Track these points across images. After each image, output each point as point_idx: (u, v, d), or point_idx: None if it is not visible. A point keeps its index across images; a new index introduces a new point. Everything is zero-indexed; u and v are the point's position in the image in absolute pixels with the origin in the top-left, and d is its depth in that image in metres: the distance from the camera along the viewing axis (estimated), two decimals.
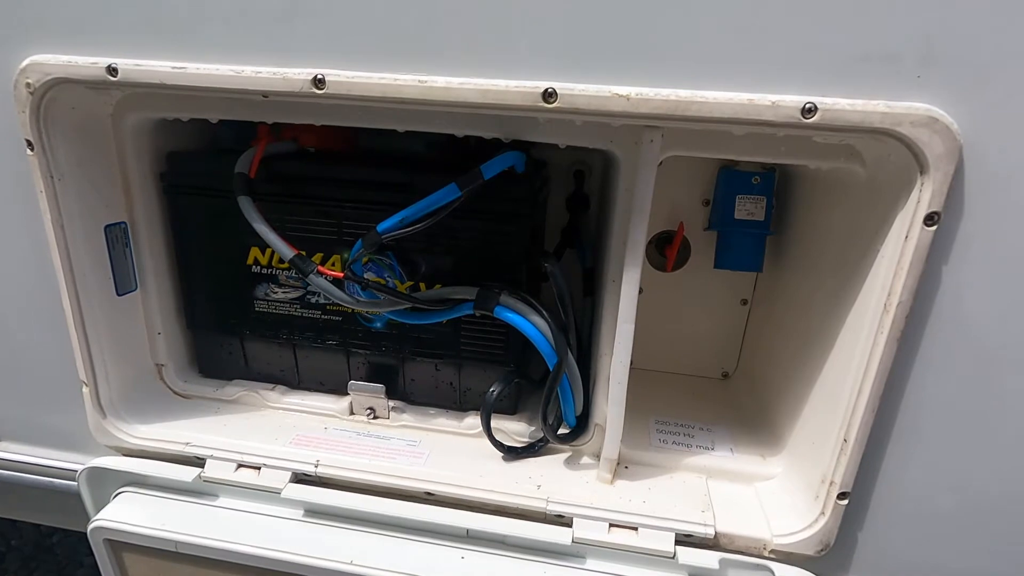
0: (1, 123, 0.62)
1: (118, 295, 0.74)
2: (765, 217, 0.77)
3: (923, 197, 0.50)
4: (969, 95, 0.48)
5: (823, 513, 0.62)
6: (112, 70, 0.58)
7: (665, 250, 0.88)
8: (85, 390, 0.73)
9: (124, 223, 0.73)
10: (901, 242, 0.52)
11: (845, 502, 0.61)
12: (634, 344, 0.64)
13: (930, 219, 0.50)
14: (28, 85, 0.59)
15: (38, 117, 0.61)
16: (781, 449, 0.73)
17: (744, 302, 0.90)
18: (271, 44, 0.55)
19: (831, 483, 0.61)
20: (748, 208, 0.77)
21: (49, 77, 0.59)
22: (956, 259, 0.52)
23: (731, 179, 0.78)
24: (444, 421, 0.79)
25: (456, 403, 0.80)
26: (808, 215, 0.75)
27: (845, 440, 0.59)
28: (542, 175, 0.79)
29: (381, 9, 0.53)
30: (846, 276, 0.62)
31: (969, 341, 0.55)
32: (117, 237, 0.72)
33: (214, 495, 0.72)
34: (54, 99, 0.61)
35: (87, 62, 0.58)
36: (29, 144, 0.62)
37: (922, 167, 0.49)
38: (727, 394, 0.92)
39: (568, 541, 0.64)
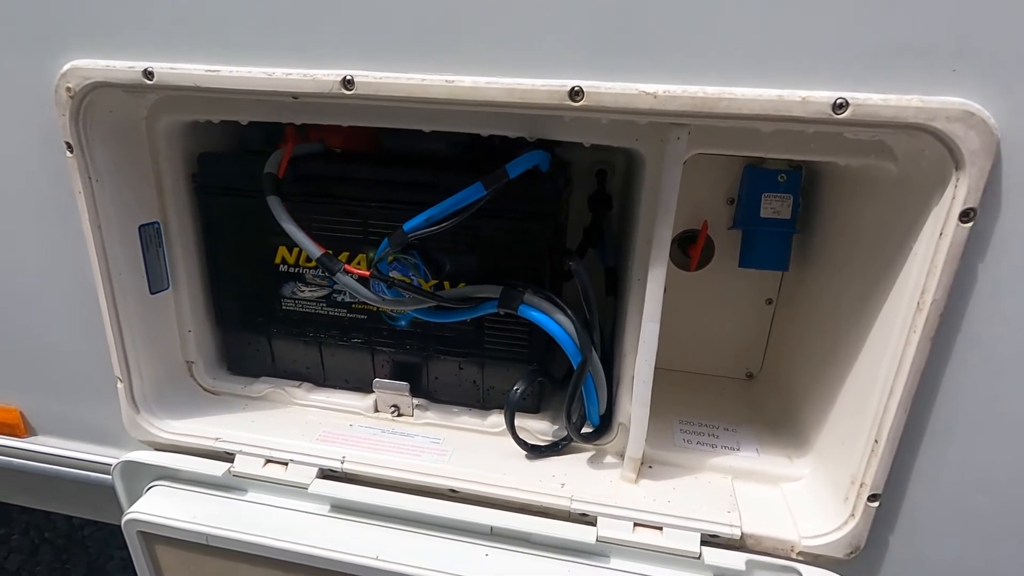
0: (42, 126, 0.64)
1: (151, 293, 0.76)
2: (791, 215, 0.76)
3: (958, 193, 0.49)
4: (1006, 88, 0.47)
5: (853, 515, 0.61)
6: (148, 73, 0.59)
7: (688, 249, 0.87)
8: (120, 386, 0.74)
9: (157, 223, 0.75)
10: (935, 239, 0.51)
11: (876, 504, 0.60)
12: (657, 344, 0.63)
13: (966, 215, 0.49)
14: (68, 89, 0.61)
15: (77, 120, 0.63)
16: (808, 450, 0.72)
17: (769, 301, 0.89)
18: (301, 46, 0.56)
19: (861, 484, 0.60)
20: (774, 206, 0.76)
21: (88, 81, 0.61)
22: (993, 256, 0.51)
23: (756, 177, 0.77)
24: (467, 419, 0.79)
25: (479, 401, 0.81)
26: (836, 213, 0.74)
27: (876, 441, 0.58)
28: (566, 174, 0.79)
29: (408, 10, 0.54)
30: (876, 274, 0.61)
31: (1006, 340, 0.54)
32: (151, 237, 0.74)
33: (243, 489, 0.74)
34: (92, 103, 0.63)
35: (124, 66, 0.60)
36: (69, 147, 0.64)
37: (957, 163, 0.48)
38: (752, 395, 0.91)
39: (592, 540, 0.64)
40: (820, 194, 0.77)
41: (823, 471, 0.68)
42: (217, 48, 0.58)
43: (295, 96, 0.58)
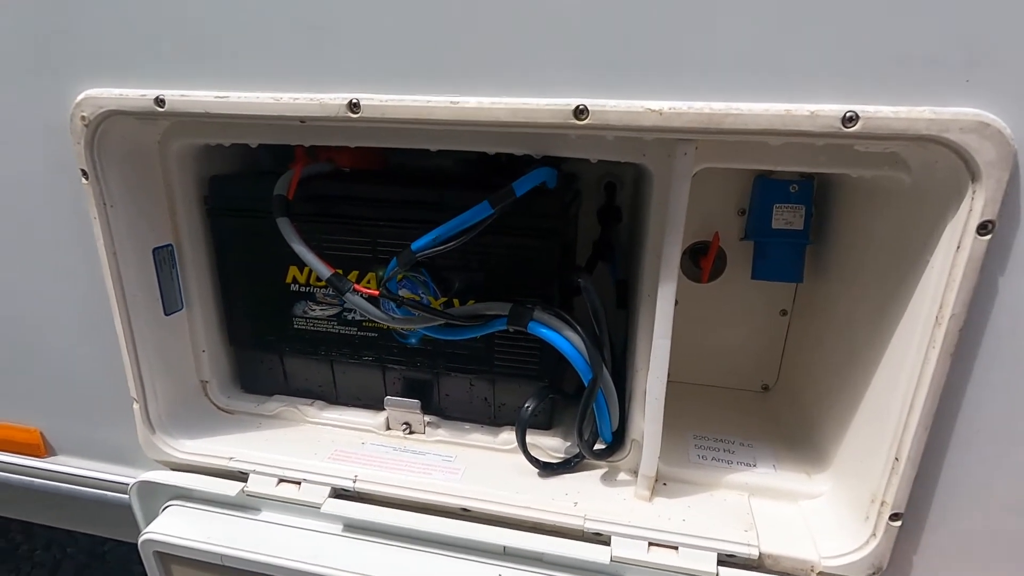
0: (58, 154, 0.66)
1: (165, 315, 0.77)
2: (804, 226, 0.75)
3: (975, 205, 0.48)
4: (1022, 97, 0.46)
5: (874, 534, 0.59)
6: (159, 101, 0.60)
7: (700, 261, 0.86)
8: (135, 406, 0.75)
9: (171, 245, 0.76)
10: (952, 252, 0.50)
11: (898, 523, 0.58)
12: (670, 358, 0.63)
13: (983, 228, 0.48)
14: (83, 118, 0.62)
15: (92, 148, 0.64)
16: (827, 466, 0.71)
17: (784, 312, 0.88)
18: (307, 71, 0.57)
19: (882, 503, 0.59)
20: (786, 217, 0.75)
21: (102, 110, 0.62)
22: (1014, 269, 0.50)
23: (767, 188, 0.76)
24: (479, 436, 0.79)
25: (490, 418, 0.80)
26: (850, 223, 0.72)
27: (896, 458, 0.57)
28: (573, 189, 0.79)
29: (412, 33, 0.54)
30: (892, 287, 0.59)
31: None
32: (164, 259, 0.75)
33: (256, 508, 0.74)
34: (106, 130, 0.64)
35: (136, 94, 0.61)
36: (84, 173, 0.65)
37: (973, 174, 0.47)
38: (767, 408, 0.89)
39: (607, 560, 0.63)
40: (833, 204, 0.76)
41: (843, 488, 0.67)
42: (226, 75, 0.59)
43: (302, 120, 0.58)
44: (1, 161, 0.69)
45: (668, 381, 0.64)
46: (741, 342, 0.90)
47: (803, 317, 0.86)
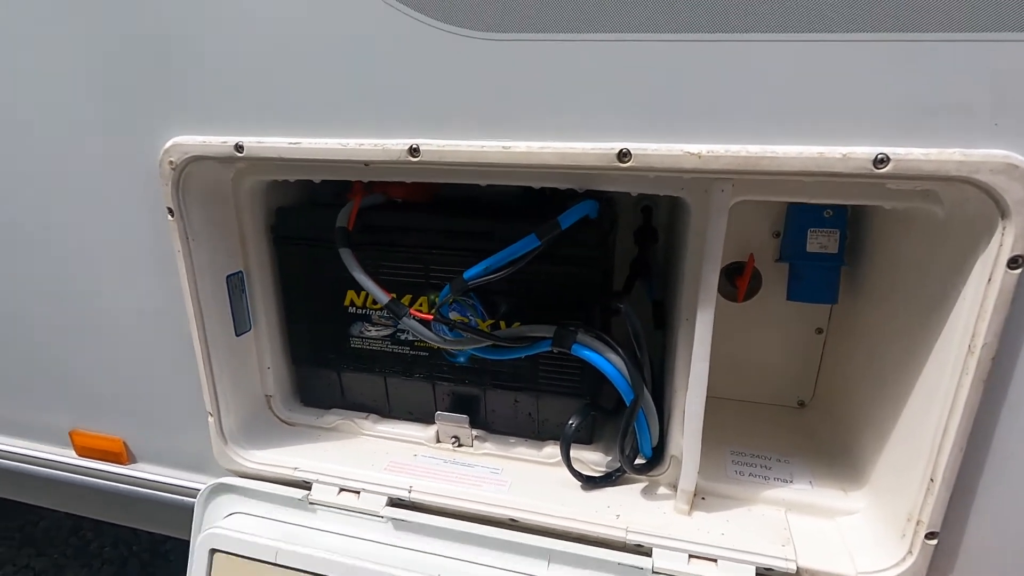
0: (147, 194, 0.73)
1: (236, 335, 0.83)
2: (839, 250, 0.77)
3: (1006, 241, 0.50)
4: None
5: (911, 552, 0.62)
6: (239, 147, 0.67)
7: (736, 280, 0.89)
8: (210, 419, 0.83)
9: (241, 272, 0.83)
10: (984, 285, 0.52)
11: (934, 542, 0.60)
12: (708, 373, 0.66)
13: (1014, 262, 0.50)
14: (171, 163, 0.69)
15: (178, 189, 0.71)
16: (863, 483, 0.73)
17: (819, 331, 0.90)
18: (371, 119, 0.63)
19: (918, 522, 0.61)
20: (821, 241, 0.77)
21: (188, 156, 0.69)
22: None
23: (802, 213, 0.78)
24: (524, 450, 0.84)
25: (535, 432, 0.85)
26: (885, 247, 0.74)
27: (932, 479, 0.59)
28: (612, 214, 0.83)
29: (466, 84, 0.59)
30: (925, 312, 0.61)
31: None
32: (235, 285, 0.82)
33: (317, 515, 0.80)
34: (190, 173, 0.71)
35: (218, 141, 0.68)
36: (170, 211, 0.72)
37: (1003, 212, 0.50)
38: (804, 423, 0.91)
39: (649, 569, 0.67)
40: (868, 227, 0.78)
41: (879, 505, 0.69)
42: (297, 123, 0.65)
43: (366, 163, 0.64)
44: (102, 199, 0.76)
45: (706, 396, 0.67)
46: (777, 359, 0.93)
47: (839, 336, 0.88)
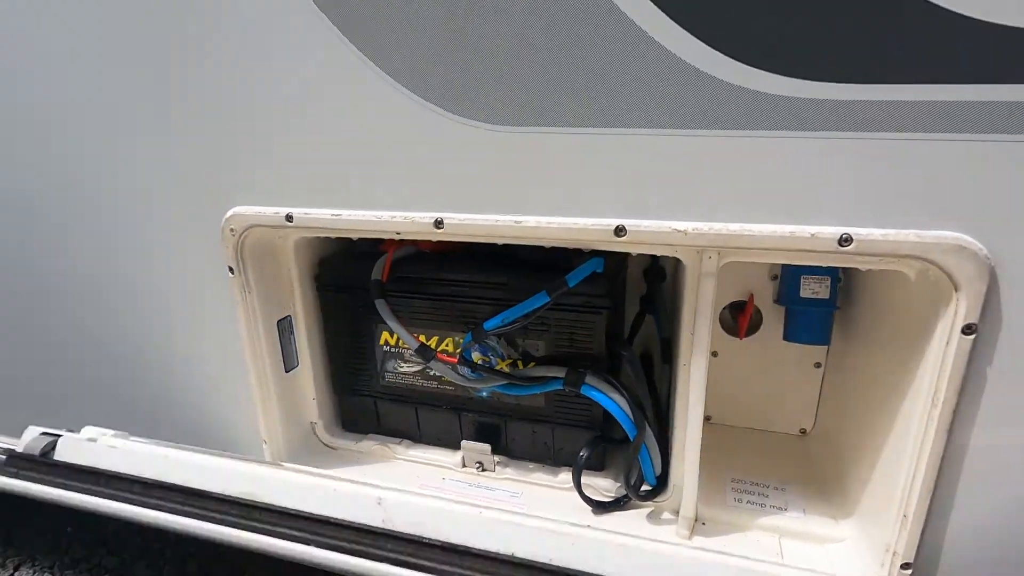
0: (212, 255, 0.85)
1: (285, 372, 0.95)
2: (830, 295, 0.83)
3: (959, 309, 0.56)
4: (998, 222, 0.54)
5: None
6: (289, 217, 0.78)
7: (738, 317, 0.96)
8: (264, 446, 0.94)
9: (290, 316, 0.94)
10: (943, 346, 0.58)
11: (909, 572, 0.66)
12: (714, 400, 0.73)
13: (968, 329, 0.56)
14: (232, 230, 0.81)
15: (237, 251, 0.82)
16: (852, 512, 0.79)
17: (818, 365, 0.96)
18: (403, 196, 0.72)
19: (895, 552, 0.67)
20: (813, 287, 0.84)
21: (246, 224, 0.80)
22: (1000, 363, 0.57)
23: None
24: (541, 475, 0.92)
25: (551, 459, 0.93)
26: (872, 294, 0.80)
27: (905, 515, 0.65)
28: (618, 258, 0.91)
29: (484, 167, 0.68)
30: (904, 361, 0.67)
31: (1019, 432, 0.59)
32: (285, 328, 0.93)
33: None
34: (247, 236, 0.82)
35: (271, 211, 0.79)
36: (231, 269, 0.83)
37: (956, 286, 0.56)
38: (804, 450, 0.97)
39: None
40: (858, 274, 0.84)
41: (864, 535, 0.75)
42: (339, 198, 0.75)
43: (398, 233, 0.74)
44: (176, 260, 0.89)
45: (712, 424, 0.74)
46: (779, 390, 0.99)
47: (834, 371, 0.93)
